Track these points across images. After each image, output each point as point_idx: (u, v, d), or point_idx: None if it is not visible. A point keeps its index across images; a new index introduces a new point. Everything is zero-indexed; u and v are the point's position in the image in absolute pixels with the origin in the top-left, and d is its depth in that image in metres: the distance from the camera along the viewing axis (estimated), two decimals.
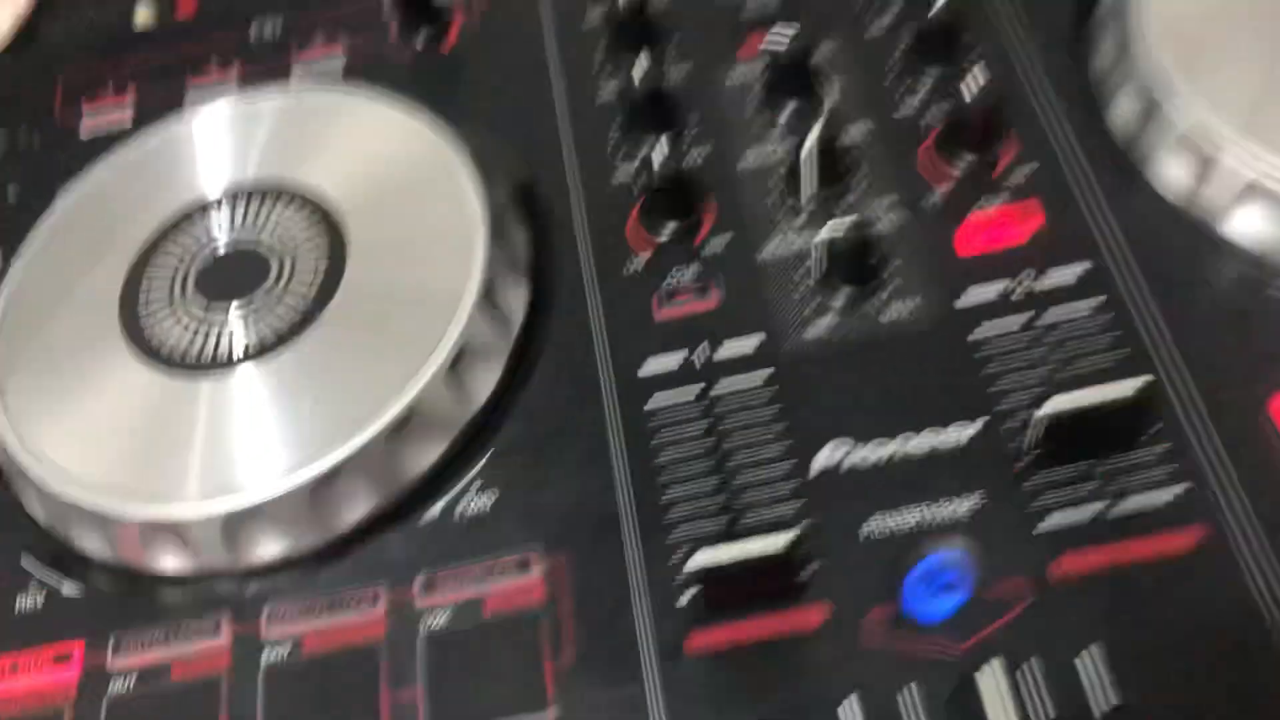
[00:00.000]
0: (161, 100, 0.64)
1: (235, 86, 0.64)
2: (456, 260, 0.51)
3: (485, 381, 0.50)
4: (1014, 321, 0.48)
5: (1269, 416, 0.44)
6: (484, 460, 0.49)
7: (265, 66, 0.64)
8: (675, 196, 0.53)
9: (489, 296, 0.51)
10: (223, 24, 0.67)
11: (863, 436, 0.46)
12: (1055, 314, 0.48)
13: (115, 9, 0.70)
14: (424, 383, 0.48)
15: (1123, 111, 0.53)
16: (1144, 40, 0.52)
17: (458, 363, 0.49)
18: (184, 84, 0.64)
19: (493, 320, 0.51)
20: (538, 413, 0.50)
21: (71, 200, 0.58)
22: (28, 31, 0.69)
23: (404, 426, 0.48)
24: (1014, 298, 0.49)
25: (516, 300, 0.52)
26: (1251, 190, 0.48)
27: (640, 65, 0.55)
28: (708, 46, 0.60)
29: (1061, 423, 0.43)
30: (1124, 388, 0.42)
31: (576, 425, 0.49)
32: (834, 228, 0.48)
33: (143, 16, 0.75)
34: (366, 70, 0.63)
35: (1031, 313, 0.48)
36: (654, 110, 0.55)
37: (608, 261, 0.54)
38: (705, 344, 0.50)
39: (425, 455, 0.49)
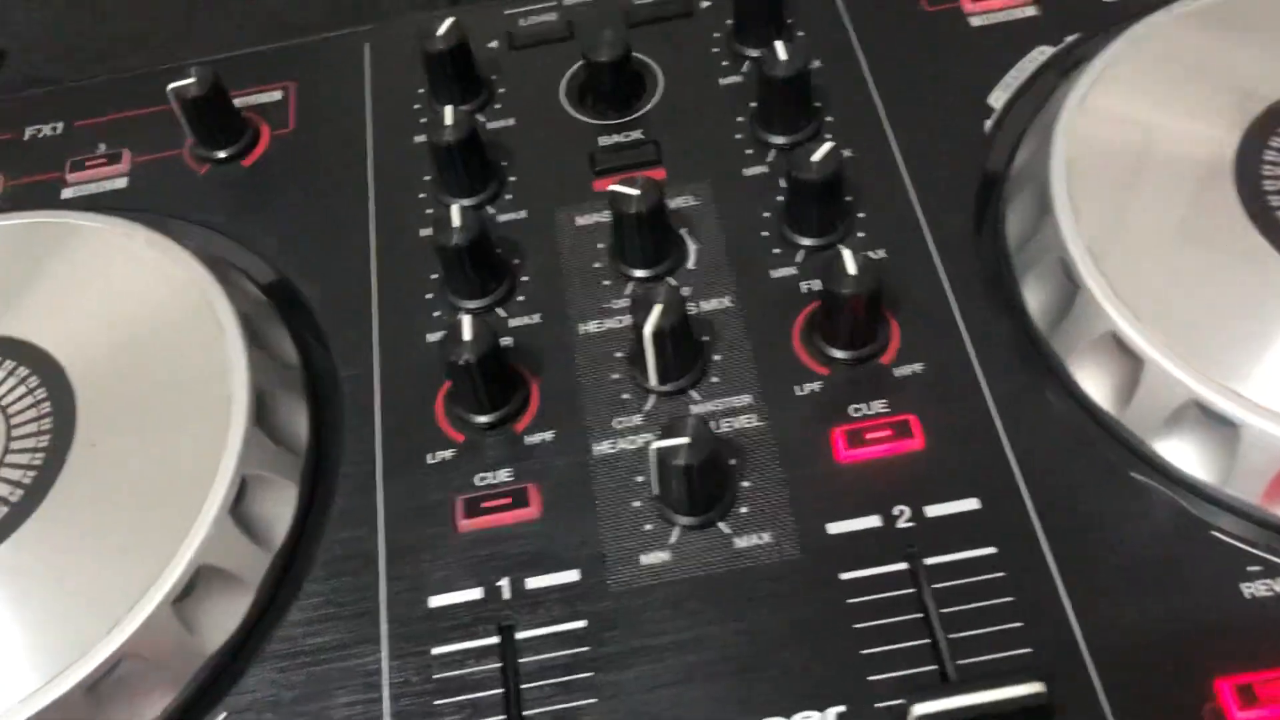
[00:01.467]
0: None
1: None
2: (205, 447, 0.41)
3: (227, 614, 0.40)
4: (891, 569, 0.39)
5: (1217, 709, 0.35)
6: None
7: (36, 179, 0.54)
8: (493, 375, 0.43)
9: (242, 505, 0.40)
10: (2, 122, 0.56)
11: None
12: (939, 563, 0.38)
13: None
14: (138, 623, 0.37)
15: (1038, 294, 0.44)
16: (1063, 218, 0.43)
17: (190, 594, 0.38)
18: None
19: (244, 533, 0.40)
20: (292, 658, 0.39)
21: None
22: None
23: (113, 673, 0.37)
24: (893, 534, 0.39)
25: (281, 505, 0.42)
26: (1190, 410, 0.39)
27: (458, 211, 0.45)
28: (554, 187, 0.50)
29: None
30: (1011, 694, 0.33)
31: (342, 676, 0.39)
32: (666, 444, 0.38)
33: None
34: (152, 185, 0.52)
35: (909, 560, 0.39)
36: (476, 263, 0.45)
37: (407, 449, 0.43)
38: (510, 576, 0.40)
39: (145, 709, 0.38)
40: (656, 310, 0.41)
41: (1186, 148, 0.44)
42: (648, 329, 0.41)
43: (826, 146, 0.44)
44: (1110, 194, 0.44)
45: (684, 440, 0.38)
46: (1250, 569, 0.37)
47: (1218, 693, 0.35)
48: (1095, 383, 0.41)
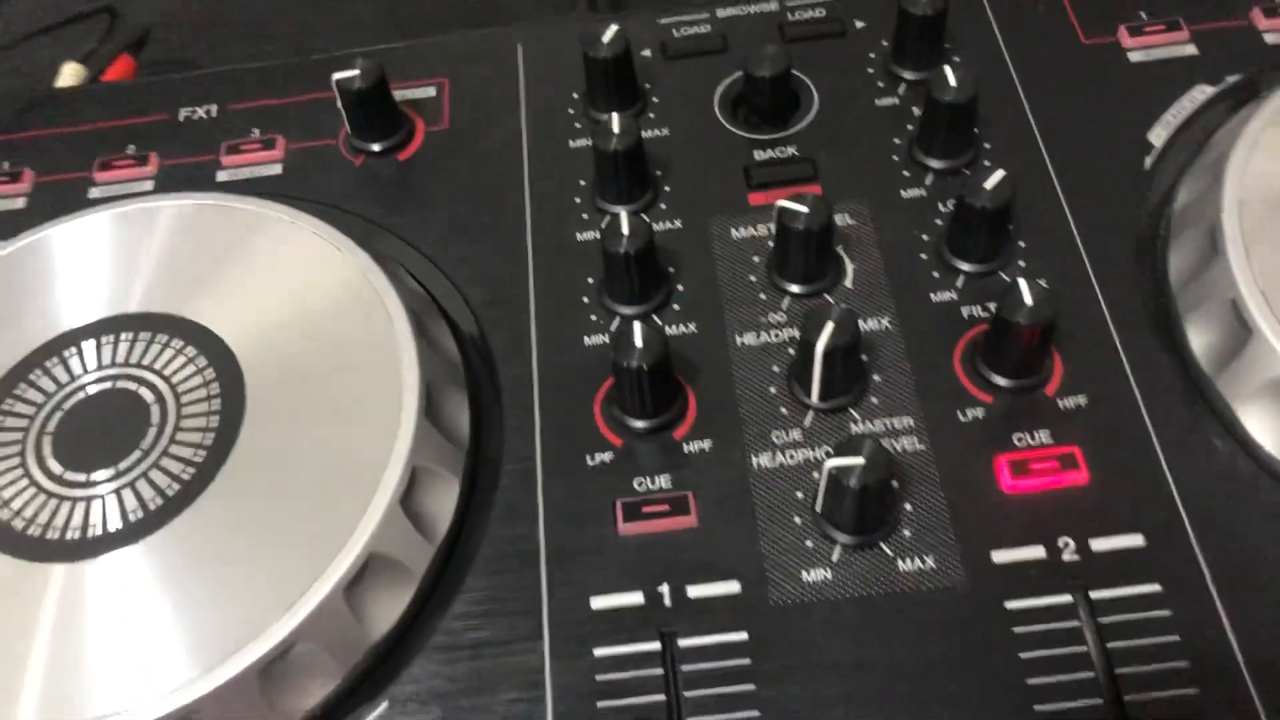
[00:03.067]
0: (59, 191, 0.54)
1: (150, 184, 0.54)
2: (375, 437, 0.41)
3: (393, 604, 0.40)
4: (1056, 600, 0.39)
5: None
6: (378, 710, 0.39)
7: (190, 160, 0.54)
8: (659, 381, 0.43)
9: (411, 497, 0.41)
10: (155, 102, 0.57)
11: None
12: (1105, 597, 0.39)
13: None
14: (311, 608, 0.38)
15: (1204, 335, 0.44)
16: (1235, 259, 0.43)
17: (359, 582, 0.39)
18: (90, 173, 0.54)
19: (411, 527, 0.40)
20: (454, 651, 0.40)
21: None
22: None
23: (284, 657, 0.38)
24: (1058, 566, 0.39)
25: (445, 498, 0.42)
26: None
27: (628, 218, 0.45)
28: (710, 198, 0.50)
29: None
30: None
31: (505, 672, 0.39)
32: (841, 463, 0.38)
33: (70, 74, 0.66)
34: (307, 173, 0.53)
35: (1075, 593, 0.39)
36: (641, 270, 0.46)
37: (566, 449, 0.44)
38: (670, 583, 0.40)
39: (310, 694, 0.39)
40: (830, 328, 0.41)
41: None
42: (820, 345, 0.41)
43: (999, 174, 0.44)
44: (1272, 233, 0.43)
45: (859, 460, 0.39)
46: None
47: None
48: (1264, 428, 0.41)
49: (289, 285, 0.46)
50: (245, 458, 0.42)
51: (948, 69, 0.47)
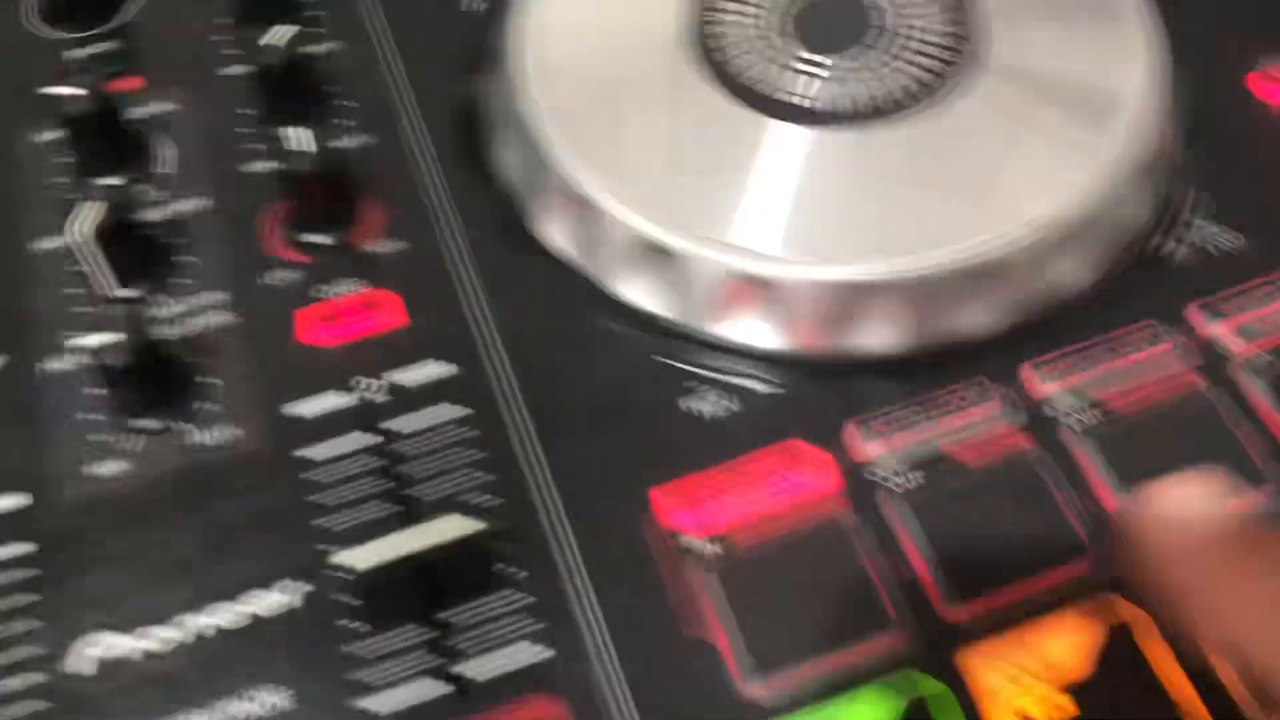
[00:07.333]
0: None
1: None
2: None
3: None
4: (362, 440, 0.38)
5: (653, 523, 0.36)
6: None
7: None
8: None
9: None
10: None
11: (127, 625, 0.34)
12: (412, 429, 0.38)
13: None
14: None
15: (512, 158, 0.44)
16: (527, 89, 0.43)
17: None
18: None
19: None
20: None
21: None
22: None
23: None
24: (367, 407, 0.38)
25: None
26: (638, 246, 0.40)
27: None
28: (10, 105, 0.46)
29: (381, 576, 0.33)
30: (440, 530, 0.32)
31: None
32: (95, 342, 0.36)
33: None
34: None
35: (375, 431, 0.38)
36: None
37: None
38: None
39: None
40: (81, 215, 0.38)
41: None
42: (75, 236, 0.38)
43: (287, 28, 0.43)
44: (565, 55, 0.44)
45: (116, 336, 0.36)
46: (687, 385, 0.39)
47: (653, 500, 0.36)
48: (563, 235, 0.42)
49: None
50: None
51: None
